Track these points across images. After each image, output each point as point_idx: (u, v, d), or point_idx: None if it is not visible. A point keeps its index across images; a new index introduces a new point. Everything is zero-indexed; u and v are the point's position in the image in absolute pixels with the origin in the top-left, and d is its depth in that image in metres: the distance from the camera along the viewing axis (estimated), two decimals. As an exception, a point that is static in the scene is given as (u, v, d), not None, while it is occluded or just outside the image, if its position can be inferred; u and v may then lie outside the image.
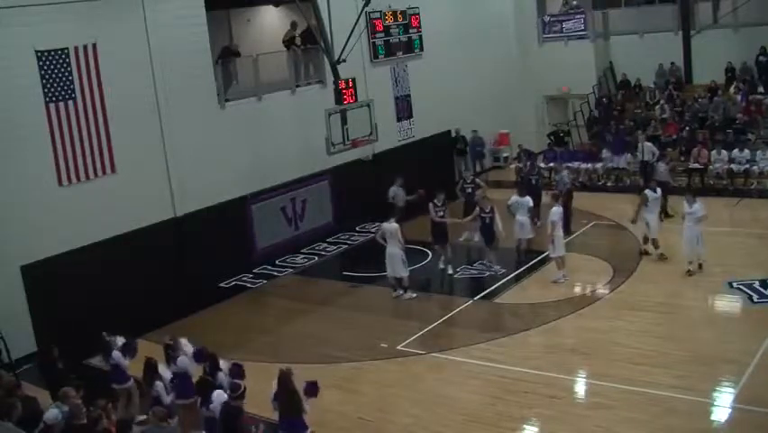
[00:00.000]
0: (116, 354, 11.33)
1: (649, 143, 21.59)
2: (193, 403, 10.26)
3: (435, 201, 16.93)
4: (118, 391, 11.32)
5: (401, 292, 15.95)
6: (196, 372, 10.71)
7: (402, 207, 18.68)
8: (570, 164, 23.47)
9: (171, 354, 10.90)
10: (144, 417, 9.81)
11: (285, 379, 9.27)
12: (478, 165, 25.25)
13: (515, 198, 17.66)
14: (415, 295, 15.89)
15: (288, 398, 9.24)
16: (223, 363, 10.54)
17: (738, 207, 19.53)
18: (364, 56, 21.17)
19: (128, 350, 11.41)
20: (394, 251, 15.69)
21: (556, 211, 15.98)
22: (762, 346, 12.01)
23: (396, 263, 15.74)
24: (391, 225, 15.84)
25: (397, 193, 18.45)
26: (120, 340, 11.52)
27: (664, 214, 18.70)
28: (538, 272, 16.63)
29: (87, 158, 15.40)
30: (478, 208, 16.98)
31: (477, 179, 20.05)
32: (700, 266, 15.40)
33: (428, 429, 10.94)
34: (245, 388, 9.27)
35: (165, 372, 10.64)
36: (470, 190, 19.18)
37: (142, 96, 16.23)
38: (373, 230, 17.34)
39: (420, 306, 15.61)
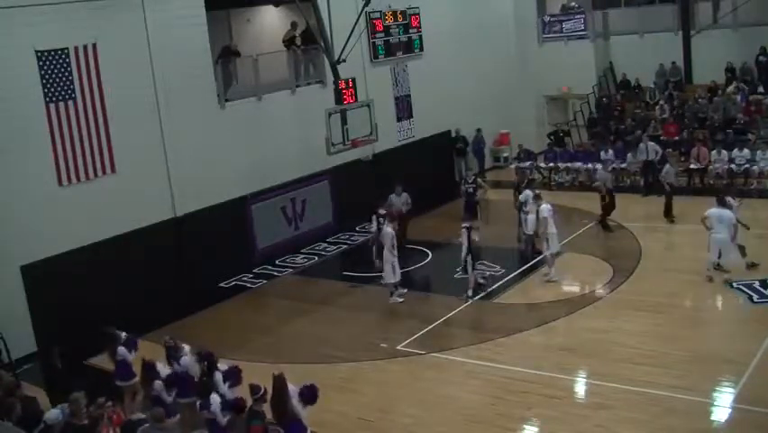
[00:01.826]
0: (122, 349, 11.33)
1: (652, 143, 21.59)
2: (194, 403, 10.25)
3: (380, 211, 16.65)
4: (123, 388, 11.33)
5: (401, 293, 15.94)
6: (198, 372, 10.70)
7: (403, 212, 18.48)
8: (570, 164, 23.64)
9: (173, 354, 10.90)
10: (143, 415, 9.82)
11: (279, 384, 9.25)
12: (479, 164, 25.25)
13: (528, 192, 17.67)
14: (401, 300, 15.78)
15: (282, 403, 9.22)
16: (222, 365, 10.53)
17: (738, 207, 19.48)
18: (364, 56, 21.19)
19: (131, 345, 11.42)
20: (386, 255, 15.61)
21: (545, 208, 15.97)
22: (762, 346, 12.01)
23: (386, 268, 15.62)
24: (385, 230, 15.77)
25: (393, 202, 18.22)
26: (123, 336, 11.52)
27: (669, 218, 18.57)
28: (538, 272, 16.62)
29: (87, 158, 15.42)
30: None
31: (478, 179, 20.03)
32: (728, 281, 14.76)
33: (428, 429, 10.94)
34: (265, 390, 9.19)
35: (163, 369, 10.63)
36: (471, 190, 19.15)
37: (142, 96, 16.24)
38: (373, 230, 17.28)
39: (420, 306, 15.60)
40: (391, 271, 15.63)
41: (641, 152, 21.70)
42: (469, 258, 15.43)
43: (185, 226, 17.06)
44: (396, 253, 15.63)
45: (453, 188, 22.84)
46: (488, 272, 16.03)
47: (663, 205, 18.88)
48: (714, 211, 14.86)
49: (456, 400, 11.60)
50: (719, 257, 14.74)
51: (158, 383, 10.26)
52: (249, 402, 9.32)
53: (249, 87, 19.13)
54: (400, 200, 18.26)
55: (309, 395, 9.35)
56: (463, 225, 15.57)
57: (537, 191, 17.39)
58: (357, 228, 20.78)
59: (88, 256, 15.10)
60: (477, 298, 15.53)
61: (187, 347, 11.02)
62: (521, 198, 17.81)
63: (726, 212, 14.80)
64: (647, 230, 18.32)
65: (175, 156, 16.93)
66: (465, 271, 15.60)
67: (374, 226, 16.64)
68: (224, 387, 10.06)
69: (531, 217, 17.24)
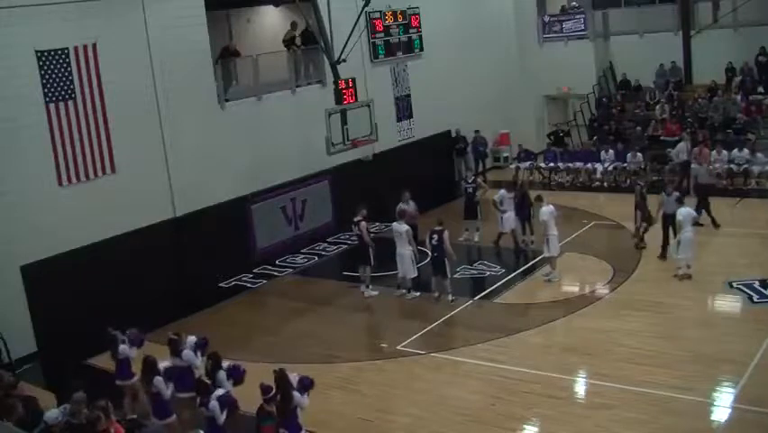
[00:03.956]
0: (124, 347, 11.34)
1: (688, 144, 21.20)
2: (191, 399, 10.28)
3: (357, 218, 16.50)
4: (123, 387, 11.34)
5: (404, 291, 15.99)
6: (201, 365, 10.74)
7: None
8: (570, 164, 23.67)
9: (176, 347, 10.92)
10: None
11: (281, 380, 9.29)
12: (480, 165, 25.24)
13: (503, 192, 18.21)
14: (418, 294, 15.90)
15: (282, 398, 9.26)
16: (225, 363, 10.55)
17: (738, 207, 19.52)
18: (364, 56, 21.17)
19: (135, 341, 11.43)
20: (403, 251, 15.72)
21: (546, 211, 15.98)
22: (762, 346, 12.02)
23: (405, 263, 15.75)
24: (401, 227, 15.83)
25: (402, 208, 18.00)
26: (126, 334, 11.53)
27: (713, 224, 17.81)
28: (538, 273, 16.62)
29: (87, 158, 15.40)
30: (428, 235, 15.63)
31: (478, 180, 20.03)
32: (689, 276, 15.24)
33: (428, 429, 10.94)
34: (277, 391, 9.20)
35: (163, 362, 10.66)
36: (470, 190, 19.17)
37: (142, 96, 16.23)
38: (374, 230, 17.29)
39: (420, 306, 15.60)
40: (411, 265, 15.75)
41: (681, 151, 21.26)
42: (447, 263, 15.45)
43: (185, 226, 17.04)
44: (411, 247, 15.78)
45: (453, 189, 22.88)
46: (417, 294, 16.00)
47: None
48: (683, 210, 15.16)
49: (456, 400, 11.60)
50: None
51: (158, 379, 10.27)
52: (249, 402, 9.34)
53: (249, 87, 19.12)
54: (410, 207, 17.69)
55: (307, 383, 9.43)
56: (436, 228, 15.50)
57: (539, 193, 17.47)
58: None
59: (88, 256, 15.08)
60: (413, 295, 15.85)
61: (189, 339, 11.03)
62: (495, 197, 18.19)
63: (689, 209, 15.29)
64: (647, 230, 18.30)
65: (175, 156, 16.92)
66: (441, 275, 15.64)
67: (355, 233, 16.69)
68: (227, 384, 10.06)
69: (507, 216, 17.87)
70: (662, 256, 16.28)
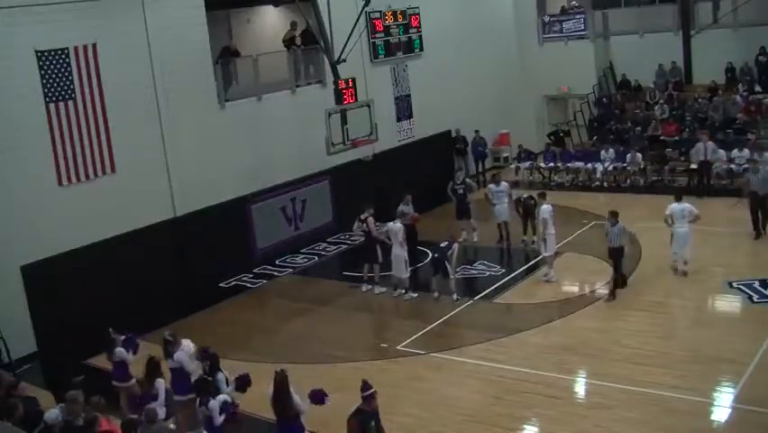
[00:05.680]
0: (120, 350, 11.34)
1: (711, 142, 20.91)
2: (190, 401, 10.26)
3: (363, 215, 16.54)
4: (120, 389, 11.33)
5: (402, 291, 15.99)
6: (195, 370, 10.70)
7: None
8: (570, 164, 23.66)
9: (170, 349, 10.90)
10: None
11: (281, 381, 9.28)
12: (480, 165, 25.23)
13: (492, 186, 18.89)
14: (416, 295, 15.92)
15: (283, 400, 9.25)
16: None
17: (738, 207, 19.48)
18: (364, 56, 21.16)
19: (130, 345, 11.43)
20: (396, 252, 15.75)
21: (546, 209, 16.00)
22: (762, 346, 12.02)
23: (398, 264, 15.78)
24: (395, 226, 15.89)
25: (405, 212, 17.96)
26: (122, 337, 11.53)
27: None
28: (537, 273, 16.62)
29: (87, 158, 15.42)
30: (452, 244, 15.61)
31: (468, 180, 20.02)
32: (685, 273, 15.29)
33: (428, 429, 10.94)
34: (375, 391, 9.06)
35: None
36: (461, 191, 19.16)
37: (142, 96, 16.24)
38: (359, 231, 17.26)
39: (420, 306, 15.61)
40: (404, 266, 15.78)
41: (698, 151, 20.96)
42: (448, 265, 15.45)
43: (185, 226, 17.06)
44: (405, 247, 15.80)
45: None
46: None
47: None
48: (675, 206, 15.24)
49: (456, 400, 11.61)
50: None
51: (159, 381, 10.25)
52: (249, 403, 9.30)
53: (249, 87, 19.12)
54: (409, 209, 17.80)
55: (318, 397, 9.40)
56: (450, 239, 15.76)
57: (542, 191, 17.61)
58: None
59: (88, 256, 15.09)
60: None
61: (185, 343, 11.01)
62: (485, 190, 19.08)
63: (686, 206, 15.29)
64: (647, 230, 18.27)
65: (175, 156, 16.93)
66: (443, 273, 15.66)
67: (357, 230, 16.82)
68: (226, 388, 10.06)
69: (498, 208, 18.54)
70: (612, 295, 14.68)
